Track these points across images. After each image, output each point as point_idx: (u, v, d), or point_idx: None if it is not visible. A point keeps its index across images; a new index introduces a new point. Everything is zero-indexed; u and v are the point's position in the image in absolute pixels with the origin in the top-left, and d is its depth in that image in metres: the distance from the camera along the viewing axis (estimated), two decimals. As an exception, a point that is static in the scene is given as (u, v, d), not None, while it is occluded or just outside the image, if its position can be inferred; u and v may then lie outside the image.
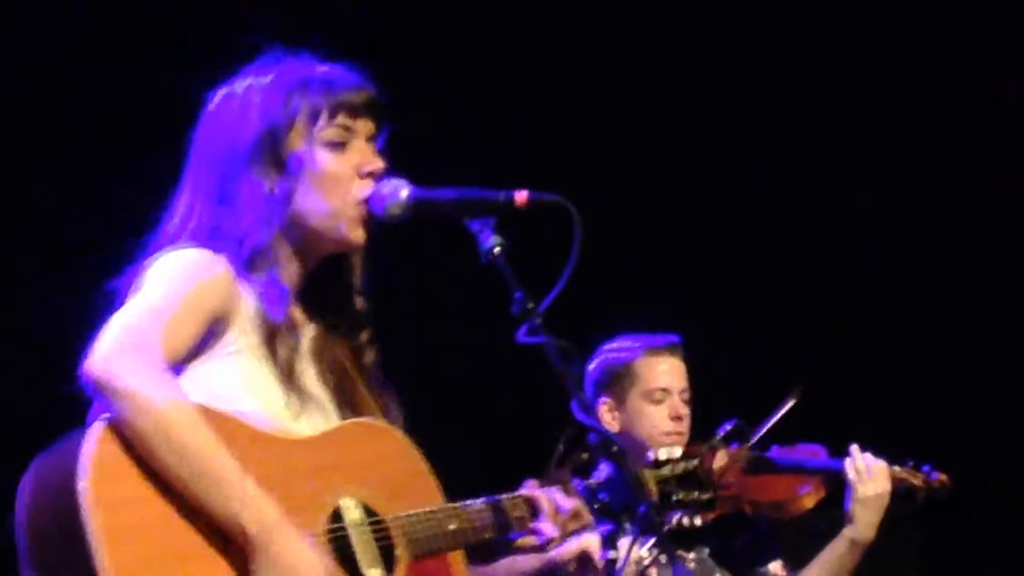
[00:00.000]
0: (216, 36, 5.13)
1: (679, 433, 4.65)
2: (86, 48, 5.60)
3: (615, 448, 3.06)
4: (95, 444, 2.75)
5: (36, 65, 5.53)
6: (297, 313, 3.14)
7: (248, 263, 3.02)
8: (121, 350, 2.79)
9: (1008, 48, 6.69)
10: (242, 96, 3.12)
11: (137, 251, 3.07)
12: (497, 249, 3.05)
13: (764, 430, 4.54)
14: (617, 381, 4.71)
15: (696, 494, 3.53)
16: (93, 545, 2.68)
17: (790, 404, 4.61)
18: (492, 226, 3.08)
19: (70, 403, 2.91)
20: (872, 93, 6.75)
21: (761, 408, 4.68)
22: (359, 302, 3.22)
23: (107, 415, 2.78)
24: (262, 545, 2.79)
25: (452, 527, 3.11)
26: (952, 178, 6.78)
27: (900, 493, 4.57)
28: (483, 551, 3.26)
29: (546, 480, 3.27)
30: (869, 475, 4.52)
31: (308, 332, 3.16)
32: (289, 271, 3.10)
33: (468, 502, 3.16)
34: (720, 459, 4.50)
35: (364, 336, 3.23)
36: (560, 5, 6.54)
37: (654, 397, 4.69)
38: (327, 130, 3.10)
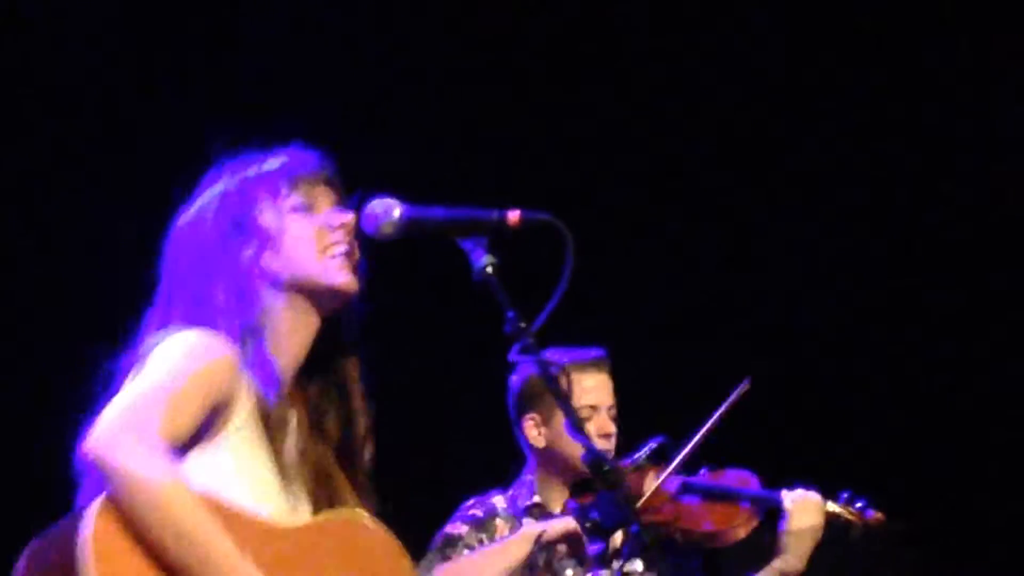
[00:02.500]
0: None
1: (606, 451, 4.54)
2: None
3: (606, 468, 3.05)
4: (93, 524, 2.73)
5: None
6: (292, 389, 3.14)
7: (242, 340, 3.02)
8: (121, 430, 2.78)
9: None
10: (195, 214, 3.15)
11: (135, 329, 3.09)
12: (489, 268, 3.05)
13: (706, 429, 4.39)
14: (542, 397, 4.63)
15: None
16: None
17: (738, 394, 4.47)
18: (484, 245, 3.08)
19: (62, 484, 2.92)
20: (857, 108, 6.76)
21: (687, 427, 4.58)
22: (358, 398, 3.21)
23: (103, 495, 2.77)
24: None
25: None
26: (904, 189, 6.79)
27: (834, 528, 4.54)
28: None
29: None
30: (804, 509, 4.47)
31: (299, 408, 3.16)
32: (289, 340, 3.11)
33: None
34: (649, 482, 4.44)
35: (362, 430, 3.21)
36: (550, 27, 6.54)
37: (580, 414, 4.57)
38: (291, 199, 3.13)
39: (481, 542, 4.43)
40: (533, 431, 4.65)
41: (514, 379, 4.72)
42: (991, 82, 6.66)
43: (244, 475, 2.97)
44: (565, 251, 3.04)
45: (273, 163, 3.16)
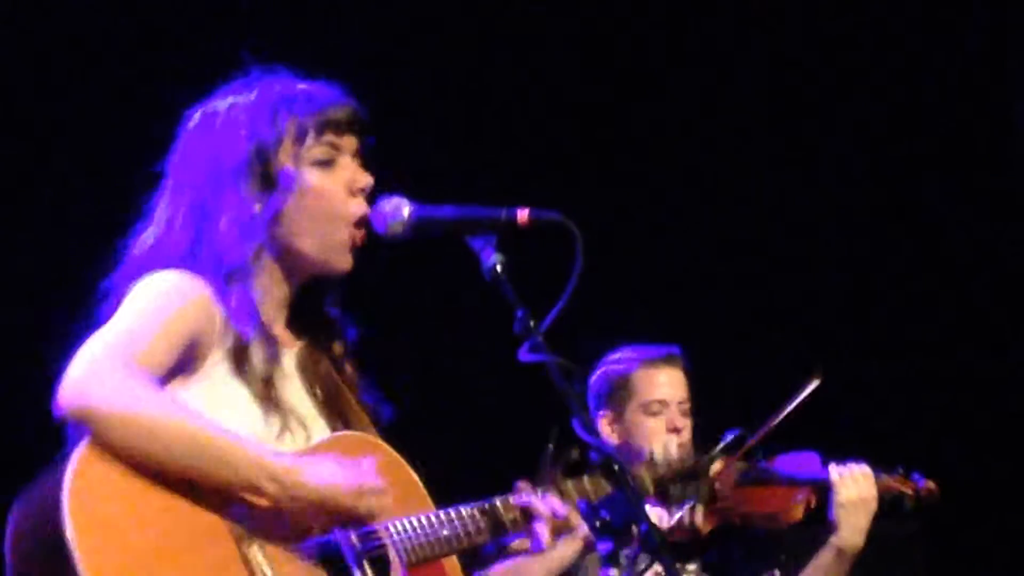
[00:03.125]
0: (192, 52, 5.18)
1: (678, 445, 4.60)
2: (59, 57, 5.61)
3: (616, 466, 3.05)
4: (75, 469, 2.73)
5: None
6: (282, 331, 3.14)
7: (226, 279, 3.01)
8: (92, 375, 2.78)
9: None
10: (225, 114, 3.12)
11: (113, 266, 3.08)
12: (499, 267, 3.05)
13: (775, 422, 4.44)
14: (615, 394, 4.71)
15: (694, 487, 3.53)
16: (77, 567, 2.67)
17: (811, 388, 4.51)
18: (494, 244, 3.08)
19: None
20: (871, 102, 6.76)
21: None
22: (333, 313, 3.22)
23: (84, 441, 2.77)
24: (293, 486, 2.83)
25: (445, 533, 3.10)
26: (936, 186, 6.79)
27: (887, 500, 4.53)
28: (476, 558, 3.25)
29: (538, 481, 3.27)
30: (853, 481, 4.49)
31: (294, 349, 3.16)
32: (273, 290, 3.10)
33: (459, 507, 3.15)
34: (715, 469, 4.48)
35: (338, 348, 3.22)
36: (555, 25, 6.54)
37: (651, 409, 4.68)
38: (315, 148, 3.10)
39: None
40: (607, 428, 4.70)
41: (591, 379, 4.77)
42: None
43: (224, 408, 2.96)
44: (575, 250, 3.03)
45: (304, 101, 3.11)
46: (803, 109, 6.72)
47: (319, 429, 3.12)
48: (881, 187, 6.84)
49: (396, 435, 3.23)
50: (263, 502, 2.86)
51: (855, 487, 4.47)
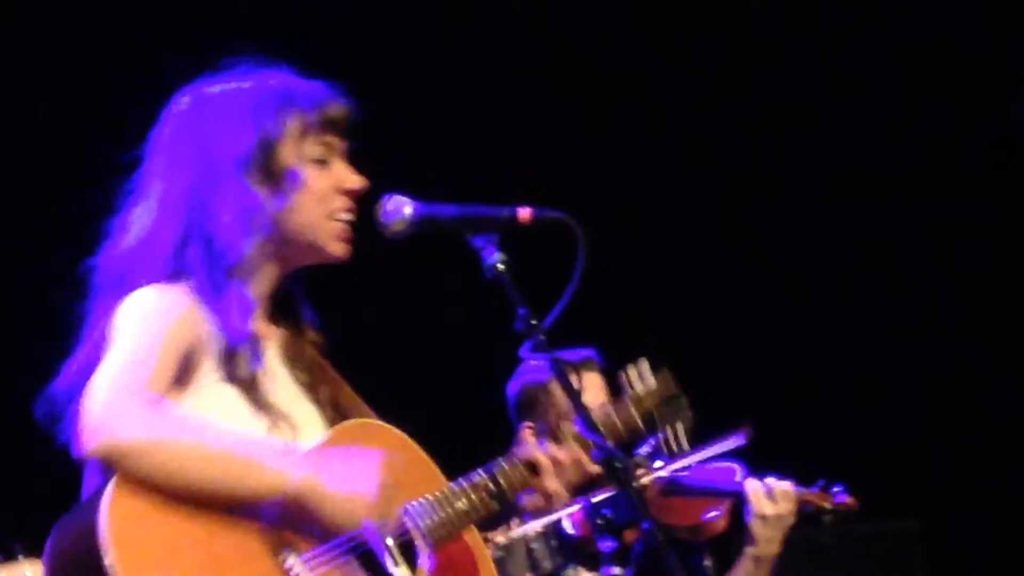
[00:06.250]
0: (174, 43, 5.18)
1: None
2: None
3: (618, 465, 3.05)
4: (111, 506, 2.75)
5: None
6: (263, 324, 3.13)
7: (226, 274, 3.01)
8: (112, 414, 2.79)
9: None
10: (221, 100, 3.10)
11: (95, 254, 3.07)
12: (501, 265, 3.05)
13: (689, 458, 4.48)
14: (535, 405, 4.65)
15: (675, 405, 3.54)
16: None
17: (732, 443, 4.56)
18: (495, 242, 3.08)
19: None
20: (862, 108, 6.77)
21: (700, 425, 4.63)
22: (302, 300, 3.22)
23: (115, 478, 2.78)
24: (316, 496, 2.86)
25: (461, 506, 3.12)
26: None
27: (805, 513, 4.57)
28: (491, 521, 3.27)
29: (536, 429, 3.28)
30: (770, 496, 4.52)
31: (274, 340, 3.16)
32: (261, 282, 3.10)
33: (470, 476, 3.17)
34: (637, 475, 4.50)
35: (312, 334, 3.22)
36: (555, 26, 6.55)
37: (571, 416, 4.61)
38: (314, 148, 3.10)
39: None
40: (531, 440, 4.65)
41: (510, 387, 4.74)
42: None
43: (217, 415, 2.95)
44: (577, 249, 3.04)
45: (307, 98, 3.11)
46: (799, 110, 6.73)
47: (308, 418, 3.12)
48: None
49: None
50: (291, 509, 2.88)
51: (770, 501, 4.51)
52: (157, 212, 3.06)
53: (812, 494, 4.61)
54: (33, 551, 4.29)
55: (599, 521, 3.29)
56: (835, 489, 4.64)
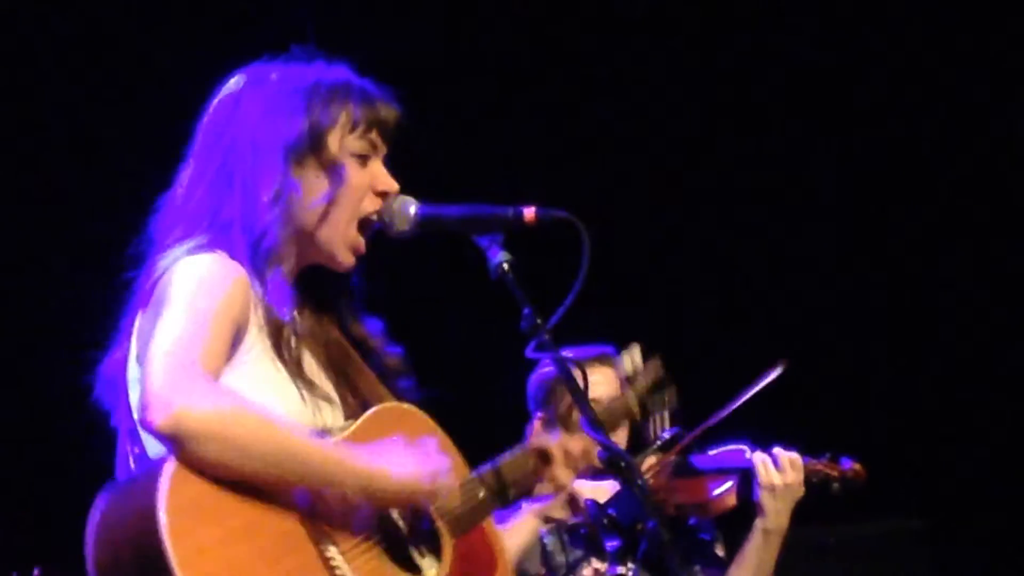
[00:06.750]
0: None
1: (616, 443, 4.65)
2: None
3: (624, 464, 3.05)
4: (169, 488, 2.73)
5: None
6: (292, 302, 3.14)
7: (263, 258, 3.01)
8: (175, 392, 2.76)
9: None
10: (277, 84, 3.09)
11: (146, 231, 3.07)
12: (506, 265, 3.05)
13: (718, 417, 4.54)
14: (549, 396, 4.70)
15: (664, 390, 3.61)
16: None
17: (771, 377, 4.63)
18: (500, 242, 3.08)
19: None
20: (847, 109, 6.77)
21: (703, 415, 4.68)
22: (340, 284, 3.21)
23: (171, 461, 2.77)
24: (379, 491, 2.88)
25: (482, 496, 3.16)
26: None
27: (814, 483, 4.60)
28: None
29: (546, 419, 3.32)
30: (778, 467, 4.55)
31: (302, 318, 3.16)
32: (290, 266, 3.09)
33: (489, 466, 3.22)
34: (647, 463, 4.56)
35: (347, 308, 3.22)
36: (556, 26, 6.55)
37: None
38: (358, 142, 3.10)
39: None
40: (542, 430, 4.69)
41: (530, 380, 4.78)
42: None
43: (266, 391, 2.95)
44: (581, 248, 3.04)
45: (360, 94, 3.11)
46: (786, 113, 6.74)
47: (335, 401, 3.12)
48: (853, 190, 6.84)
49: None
50: (332, 499, 2.89)
51: (778, 472, 4.54)
52: (201, 194, 3.05)
53: (820, 463, 4.63)
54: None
55: (604, 520, 3.30)
56: (842, 459, 4.66)
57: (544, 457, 3.28)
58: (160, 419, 2.75)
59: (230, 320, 2.92)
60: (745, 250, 6.80)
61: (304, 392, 3.03)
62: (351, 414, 3.12)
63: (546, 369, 4.70)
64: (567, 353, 4.60)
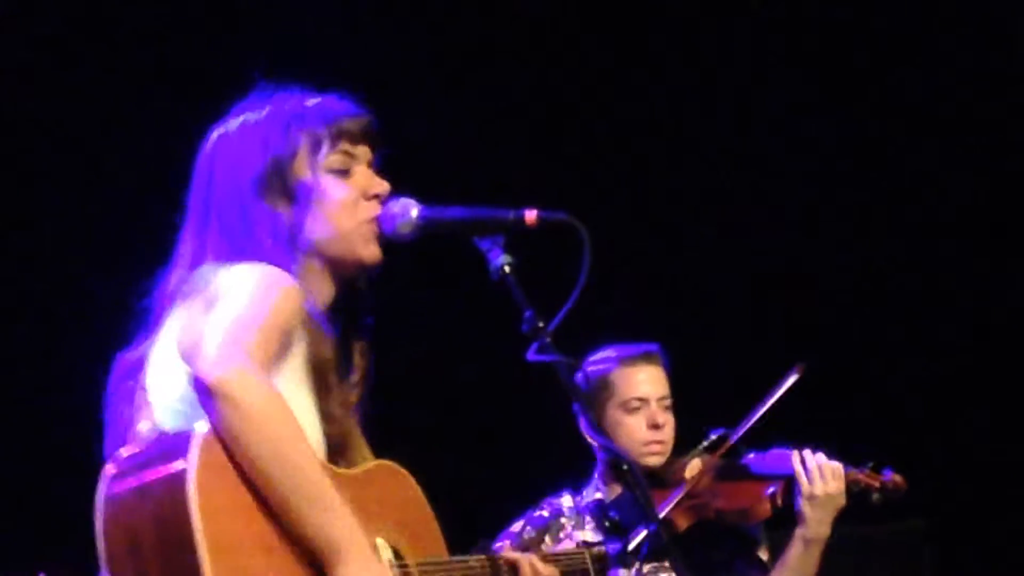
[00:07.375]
0: (202, 70, 5.21)
1: (659, 442, 4.66)
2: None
3: (625, 466, 3.06)
4: (200, 455, 2.74)
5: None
6: None
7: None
8: (233, 355, 2.77)
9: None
10: (238, 133, 3.13)
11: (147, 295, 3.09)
12: (507, 267, 3.05)
13: (755, 420, 4.60)
14: (595, 394, 4.70)
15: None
16: (201, 556, 2.69)
17: (791, 382, 4.67)
18: (501, 244, 3.08)
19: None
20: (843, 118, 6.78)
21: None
22: (365, 314, 3.22)
23: (205, 427, 2.77)
24: (354, 560, 2.83)
25: None
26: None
27: (854, 493, 4.62)
28: None
29: (518, 545, 3.33)
30: (820, 475, 4.57)
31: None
32: (322, 295, 3.10)
33: (467, 556, 3.22)
34: (693, 467, 4.58)
35: (361, 347, 3.22)
36: (556, 26, 6.55)
37: (630, 407, 4.68)
38: (330, 157, 3.11)
39: (543, 543, 4.47)
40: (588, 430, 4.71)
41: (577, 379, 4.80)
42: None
43: (301, 414, 2.92)
44: (582, 251, 3.04)
45: (317, 114, 3.12)
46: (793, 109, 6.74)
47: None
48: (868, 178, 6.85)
49: (402, 438, 3.24)
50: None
51: (820, 481, 4.56)
52: (206, 249, 3.07)
53: (862, 473, 4.65)
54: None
55: (606, 523, 3.30)
56: (884, 470, 4.69)
57: (514, 569, 3.27)
58: (220, 371, 2.75)
59: (285, 319, 2.92)
60: (741, 249, 6.81)
61: (321, 427, 3.02)
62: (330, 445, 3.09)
63: (591, 368, 4.74)
64: (611, 352, 4.70)
